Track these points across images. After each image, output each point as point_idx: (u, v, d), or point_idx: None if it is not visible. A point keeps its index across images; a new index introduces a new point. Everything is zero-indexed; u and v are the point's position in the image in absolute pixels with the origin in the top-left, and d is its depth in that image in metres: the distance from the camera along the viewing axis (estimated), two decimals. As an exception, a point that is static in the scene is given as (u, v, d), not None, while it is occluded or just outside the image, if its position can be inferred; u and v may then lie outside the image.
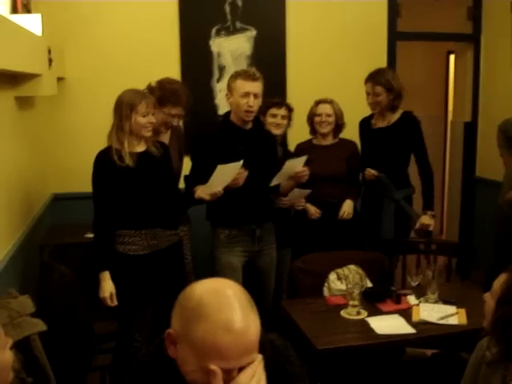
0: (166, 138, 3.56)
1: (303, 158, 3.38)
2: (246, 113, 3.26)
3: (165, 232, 3.09)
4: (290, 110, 3.89)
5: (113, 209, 2.98)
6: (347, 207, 3.90)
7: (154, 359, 1.46)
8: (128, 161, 2.92)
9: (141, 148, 3.03)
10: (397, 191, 3.90)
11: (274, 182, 3.34)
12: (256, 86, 3.25)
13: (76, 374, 2.78)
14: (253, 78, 3.23)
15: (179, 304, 1.38)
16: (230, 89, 3.30)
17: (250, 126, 3.36)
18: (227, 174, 3.08)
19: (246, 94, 3.22)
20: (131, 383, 1.51)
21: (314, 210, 3.86)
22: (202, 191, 3.11)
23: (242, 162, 3.08)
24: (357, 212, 4.05)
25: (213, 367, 1.28)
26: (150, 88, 3.41)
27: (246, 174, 3.13)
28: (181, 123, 3.71)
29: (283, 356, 1.59)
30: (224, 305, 1.32)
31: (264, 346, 1.42)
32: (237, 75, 3.28)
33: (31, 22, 3.22)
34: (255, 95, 3.24)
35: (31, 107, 3.90)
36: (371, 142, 4.03)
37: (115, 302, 2.95)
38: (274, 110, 3.81)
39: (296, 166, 3.34)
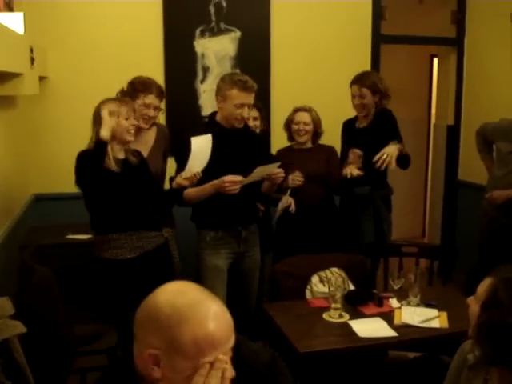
0: (150, 136, 3.54)
1: (276, 164, 3.28)
2: (238, 121, 3.27)
3: (149, 233, 3.08)
4: (259, 109, 3.80)
5: (101, 211, 2.99)
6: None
7: (117, 372, 1.46)
8: (114, 166, 2.92)
9: (121, 156, 3.03)
10: (375, 192, 3.93)
11: (244, 182, 3.18)
12: (252, 98, 3.25)
13: (56, 376, 2.75)
14: (250, 90, 3.21)
15: (146, 322, 1.36)
16: (222, 94, 3.24)
17: None
18: (202, 151, 3.07)
19: (241, 105, 3.21)
20: None
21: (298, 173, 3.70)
22: (180, 177, 3.10)
23: (210, 135, 3.12)
24: (338, 213, 4.05)
25: (220, 356, 1.30)
26: (122, 92, 3.42)
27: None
28: (163, 122, 3.65)
29: (274, 367, 1.60)
30: (194, 299, 1.35)
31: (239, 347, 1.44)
32: (233, 84, 3.19)
33: (13, 21, 3.18)
34: (249, 106, 3.26)
35: (13, 106, 3.85)
36: (353, 142, 4.04)
37: None
38: None
39: (268, 170, 3.24)
